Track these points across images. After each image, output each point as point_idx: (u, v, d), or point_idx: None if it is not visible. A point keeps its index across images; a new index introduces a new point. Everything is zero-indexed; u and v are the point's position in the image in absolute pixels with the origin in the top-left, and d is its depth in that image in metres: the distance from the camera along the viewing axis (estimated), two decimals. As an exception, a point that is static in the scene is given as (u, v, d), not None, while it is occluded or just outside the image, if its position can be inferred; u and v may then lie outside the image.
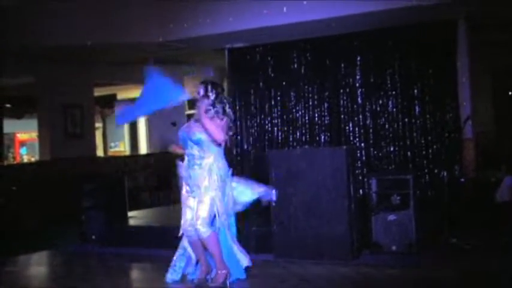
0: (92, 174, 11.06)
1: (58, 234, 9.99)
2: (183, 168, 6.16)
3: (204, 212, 5.93)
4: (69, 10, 9.94)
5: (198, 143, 5.99)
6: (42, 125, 12.64)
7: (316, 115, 10.76)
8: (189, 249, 6.23)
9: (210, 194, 5.95)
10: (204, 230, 5.91)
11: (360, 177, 9.73)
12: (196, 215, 5.96)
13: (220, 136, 5.94)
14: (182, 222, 6.15)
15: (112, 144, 20.73)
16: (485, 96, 12.37)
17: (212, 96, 6.08)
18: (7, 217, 10.17)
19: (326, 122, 10.71)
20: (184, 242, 6.27)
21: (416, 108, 9.97)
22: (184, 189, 6.18)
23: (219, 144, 6.02)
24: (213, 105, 6.07)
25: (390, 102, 10.18)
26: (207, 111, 6.03)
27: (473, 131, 9.62)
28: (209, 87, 6.12)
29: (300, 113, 10.90)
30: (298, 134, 10.90)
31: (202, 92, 6.13)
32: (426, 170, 9.79)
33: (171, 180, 11.85)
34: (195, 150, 6.03)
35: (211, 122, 5.96)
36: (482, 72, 11.60)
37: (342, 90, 10.54)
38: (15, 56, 10.89)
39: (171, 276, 6.27)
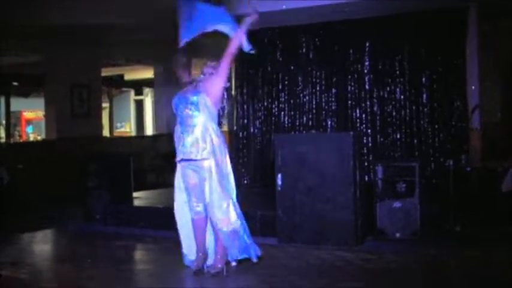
0: (97, 154, 11.05)
1: (63, 212, 10.01)
2: (175, 132, 5.95)
3: (208, 176, 5.76)
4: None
5: (195, 104, 5.79)
6: (49, 104, 12.65)
7: (324, 100, 10.73)
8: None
9: (207, 156, 5.77)
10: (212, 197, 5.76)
11: (366, 164, 9.71)
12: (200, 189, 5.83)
13: (223, 72, 5.94)
14: (192, 201, 5.96)
15: (118, 125, 20.81)
16: (494, 86, 12.28)
17: None
18: (12, 195, 10.19)
19: (333, 107, 10.68)
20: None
21: (424, 96, 9.94)
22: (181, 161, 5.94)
23: (221, 80, 5.93)
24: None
25: (398, 90, 10.15)
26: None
27: (480, 120, 9.58)
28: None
29: (307, 97, 10.87)
30: (305, 118, 10.87)
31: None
32: (432, 158, 9.78)
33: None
34: (191, 116, 5.80)
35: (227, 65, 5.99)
36: (492, 61, 11.51)
37: (349, 76, 10.51)
38: (23, 34, 10.86)
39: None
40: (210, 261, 5.99)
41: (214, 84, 5.90)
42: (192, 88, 5.93)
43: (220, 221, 5.79)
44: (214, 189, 5.78)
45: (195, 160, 5.80)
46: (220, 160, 5.84)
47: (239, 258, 6.02)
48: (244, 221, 5.97)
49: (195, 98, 5.80)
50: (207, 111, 5.82)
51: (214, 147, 5.80)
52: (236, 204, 5.91)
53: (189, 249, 6.11)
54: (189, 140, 5.80)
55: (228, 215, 5.81)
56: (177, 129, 5.94)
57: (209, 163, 5.78)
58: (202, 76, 6.01)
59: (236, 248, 5.94)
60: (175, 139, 5.97)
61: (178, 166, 6.02)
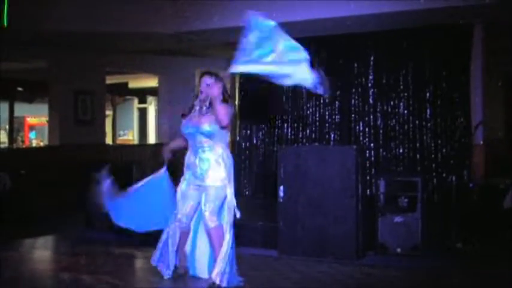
0: (100, 162, 11.05)
1: (64, 219, 10.01)
2: (188, 156, 6.06)
3: (213, 201, 5.84)
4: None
5: (209, 135, 5.90)
6: (52, 110, 12.65)
7: (327, 113, 10.73)
8: (170, 241, 6.16)
9: (220, 183, 5.86)
10: (212, 220, 5.82)
11: (368, 178, 9.70)
12: (204, 205, 5.86)
13: (226, 122, 5.82)
14: (179, 214, 6.09)
15: (121, 133, 20.82)
16: (497, 102, 12.30)
17: (221, 84, 6.04)
18: (14, 200, 10.18)
19: (336, 120, 10.66)
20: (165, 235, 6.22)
21: (428, 111, 9.92)
22: (187, 178, 6.07)
23: (224, 127, 5.89)
24: (226, 91, 6.06)
25: (402, 104, 10.14)
26: (221, 93, 5.96)
27: (483, 136, 9.57)
28: (217, 76, 6.05)
29: (310, 110, 10.87)
30: (308, 131, 10.87)
31: (211, 79, 6.01)
32: (435, 174, 9.76)
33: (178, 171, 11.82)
34: (204, 142, 5.91)
35: (224, 106, 5.87)
36: (495, 78, 11.53)
37: (353, 90, 10.50)
38: (29, 40, 10.88)
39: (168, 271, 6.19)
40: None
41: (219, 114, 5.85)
42: (202, 116, 5.94)
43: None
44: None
45: (210, 186, 5.87)
46: (230, 188, 5.93)
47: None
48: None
49: (208, 129, 5.87)
50: (220, 138, 5.94)
51: (229, 173, 5.91)
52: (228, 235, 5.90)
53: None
54: (204, 166, 5.89)
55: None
56: (189, 155, 6.03)
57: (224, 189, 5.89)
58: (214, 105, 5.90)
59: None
60: (187, 164, 6.06)
61: (184, 183, 6.08)
